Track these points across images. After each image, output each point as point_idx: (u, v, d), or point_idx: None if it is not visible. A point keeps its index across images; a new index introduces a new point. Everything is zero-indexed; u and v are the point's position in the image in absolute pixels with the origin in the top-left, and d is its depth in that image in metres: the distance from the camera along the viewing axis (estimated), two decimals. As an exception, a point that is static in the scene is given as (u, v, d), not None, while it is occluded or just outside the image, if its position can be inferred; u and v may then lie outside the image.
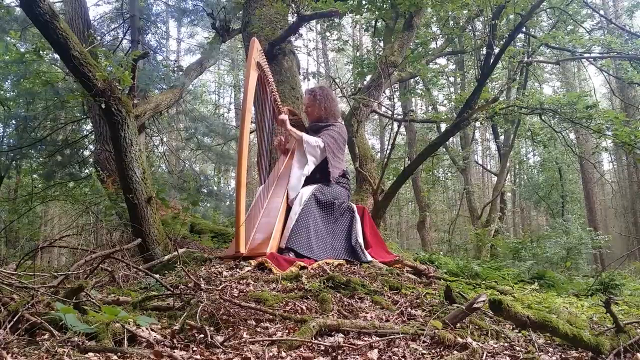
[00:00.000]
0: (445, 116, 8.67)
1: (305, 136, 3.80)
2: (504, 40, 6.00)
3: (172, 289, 2.21)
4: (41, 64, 7.20)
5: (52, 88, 7.23)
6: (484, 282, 3.14)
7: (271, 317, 2.08)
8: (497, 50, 5.83)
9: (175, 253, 3.81)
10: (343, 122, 4.21)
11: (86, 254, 2.73)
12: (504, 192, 17.21)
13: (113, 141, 3.96)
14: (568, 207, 21.21)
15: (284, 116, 3.79)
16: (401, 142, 17.49)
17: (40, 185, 9.36)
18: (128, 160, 3.90)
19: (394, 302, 2.55)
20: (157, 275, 2.51)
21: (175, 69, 7.65)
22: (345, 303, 2.46)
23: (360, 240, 3.63)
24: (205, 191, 7.69)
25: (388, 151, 5.56)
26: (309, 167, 3.78)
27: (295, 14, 4.52)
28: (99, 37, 7.50)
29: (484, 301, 2.05)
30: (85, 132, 8.79)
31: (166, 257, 3.74)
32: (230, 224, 7.39)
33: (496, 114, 7.90)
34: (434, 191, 18.36)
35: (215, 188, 7.67)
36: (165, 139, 8.39)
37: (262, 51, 3.56)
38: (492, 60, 5.61)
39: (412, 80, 11.07)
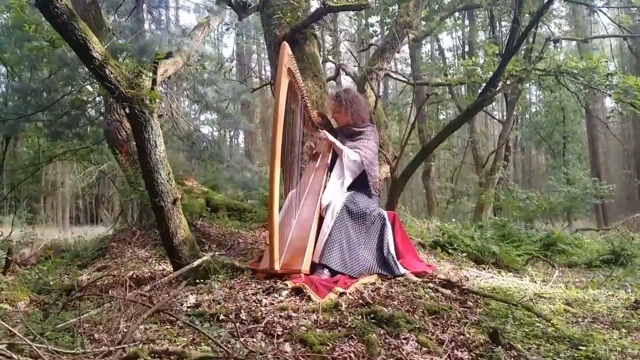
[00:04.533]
0: (462, 78, 8.43)
1: (346, 150, 3.78)
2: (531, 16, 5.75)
3: (226, 349, 2.19)
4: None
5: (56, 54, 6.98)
6: (520, 302, 3.13)
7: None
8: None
9: (205, 258, 3.82)
10: (374, 125, 4.11)
11: (137, 307, 2.69)
12: (508, 139, 17.13)
13: (137, 143, 3.87)
14: (569, 147, 21.21)
15: (324, 134, 3.78)
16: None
17: (46, 146, 9.26)
18: (153, 162, 3.82)
19: (438, 341, 2.56)
20: (210, 333, 2.47)
21: (182, 36, 7.36)
22: (392, 346, 2.47)
23: (392, 251, 3.62)
24: (216, 159, 7.59)
25: (407, 131, 5.45)
26: (348, 181, 3.79)
27: (322, 4, 4.30)
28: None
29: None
30: (92, 93, 8.58)
31: (195, 263, 3.73)
32: (245, 197, 7.35)
33: (512, 76, 7.73)
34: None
35: (226, 154, 7.58)
36: (174, 101, 8.21)
37: (292, 56, 3.41)
38: (517, 37, 5.41)
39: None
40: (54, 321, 3.15)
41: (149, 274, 4.32)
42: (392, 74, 8.03)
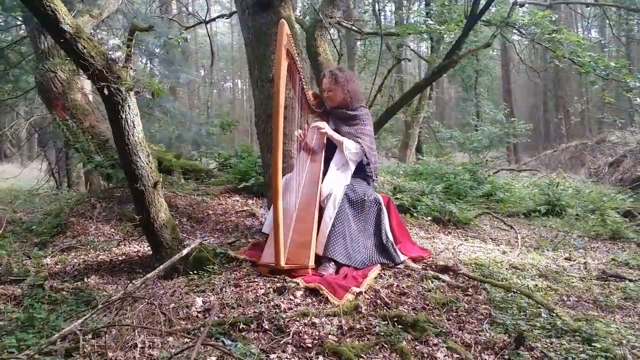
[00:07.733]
0: (411, 29, 8.29)
1: (346, 142, 3.62)
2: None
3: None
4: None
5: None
6: (519, 290, 3.26)
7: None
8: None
9: (194, 246, 3.64)
10: (367, 107, 3.97)
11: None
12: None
13: (112, 124, 3.52)
14: (480, 80, 21.98)
15: (323, 125, 3.60)
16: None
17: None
18: (132, 145, 3.52)
19: (464, 344, 2.63)
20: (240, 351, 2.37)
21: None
22: (424, 354, 2.51)
23: (391, 237, 3.60)
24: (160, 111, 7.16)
25: (373, 95, 5.37)
26: (352, 169, 3.69)
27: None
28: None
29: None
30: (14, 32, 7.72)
31: (184, 252, 3.55)
32: (200, 154, 7.01)
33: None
34: (365, 75, 18.18)
35: (170, 107, 7.13)
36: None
37: (290, 35, 3.18)
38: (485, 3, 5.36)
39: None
40: (44, 328, 2.93)
41: (123, 256, 4.08)
42: (345, 23, 7.74)
